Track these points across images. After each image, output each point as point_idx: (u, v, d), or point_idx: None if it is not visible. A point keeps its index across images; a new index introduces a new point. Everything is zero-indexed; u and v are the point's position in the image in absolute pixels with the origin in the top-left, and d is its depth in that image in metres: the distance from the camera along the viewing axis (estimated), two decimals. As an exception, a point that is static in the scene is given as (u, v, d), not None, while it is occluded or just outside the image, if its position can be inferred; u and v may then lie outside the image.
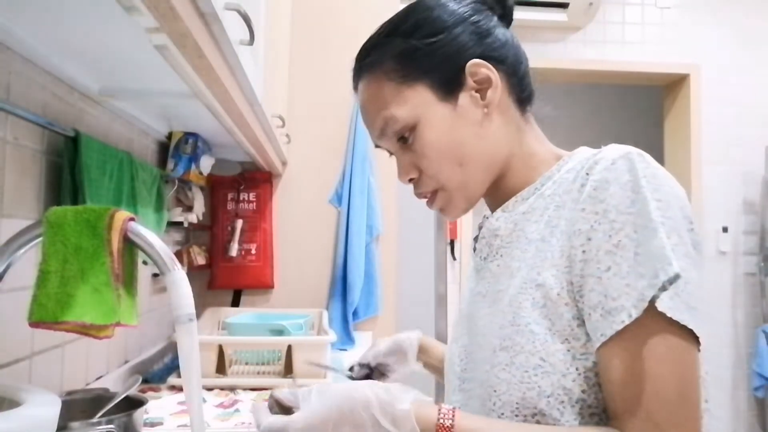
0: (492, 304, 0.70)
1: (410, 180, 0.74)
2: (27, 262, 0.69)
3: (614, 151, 0.63)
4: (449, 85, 0.71)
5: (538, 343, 0.62)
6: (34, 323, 0.63)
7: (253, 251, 2.12)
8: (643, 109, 4.68)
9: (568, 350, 0.61)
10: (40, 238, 0.64)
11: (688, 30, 3.55)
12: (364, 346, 2.10)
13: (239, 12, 0.84)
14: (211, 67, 0.83)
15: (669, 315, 0.55)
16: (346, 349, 2.04)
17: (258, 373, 1.52)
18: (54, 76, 1.01)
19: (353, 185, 2.14)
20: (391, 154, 0.77)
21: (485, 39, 0.72)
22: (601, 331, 0.58)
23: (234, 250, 2.09)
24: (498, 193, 0.76)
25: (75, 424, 0.76)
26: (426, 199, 0.76)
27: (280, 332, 1.54)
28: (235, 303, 2.15)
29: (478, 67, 0.70)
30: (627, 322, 0.56)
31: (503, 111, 0.72)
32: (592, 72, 3.50)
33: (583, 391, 0.60)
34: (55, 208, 0.65)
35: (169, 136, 1.65)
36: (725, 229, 3.48)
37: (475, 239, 0.79)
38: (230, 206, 2.15)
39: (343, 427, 0.58)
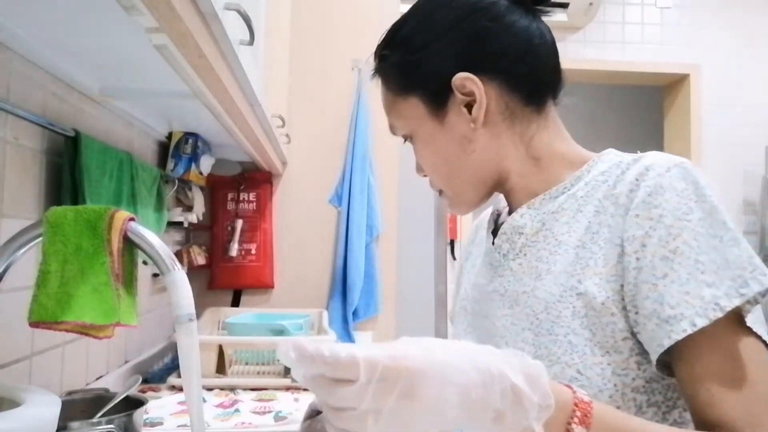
0: (513, 305, 0.67)
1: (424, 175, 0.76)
2: (27, 262, 0.69)
3: (665, 158, 0.61)
4: (438, 98, 0.69)
5: (576, 354, 0.58)
6: (34, 323, 0.63)
7: (253, 251, 2.12)
8: (643, 109, 4.68)
9: (609, 364, 0.58)
10: (40, 238, 0.64)
11: (688, 30, 3.55)
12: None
13: (239, 12, 0.84)
14: (211, 67, 0.83)
15: (754, 330, 0.53)
16: (346, 349, 2.04)
17: (258, 373, 1.52)
18: (54, 76, 1.01)
19: (353, 185, 2.15)
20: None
21: (478, 44, 0.67)
22: (657, 341, 0.55)
23: (234, 250, 2.09)
24: (514, 193, 0.73)
25: (75, 424, 0.76)
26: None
27: (280, 332, 1.54)
28: (235, 303, 2.15)
29: (463, 81, 0.67)
30: (689, 332, 0.53)
31: (496, 122, 0.68)
32: (592, 72, 3.50)
33: (618, 407, 0.57)
34: (55, 208, 0.65)
35: (169, 136, 1.65)
36: (725, 229, 3.47)
37: (493, 233, 0.75)
38: (230, 206, 2.15)
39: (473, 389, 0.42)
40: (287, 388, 1.46)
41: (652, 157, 0.62)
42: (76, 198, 1.01)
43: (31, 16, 0.82)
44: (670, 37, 3.55)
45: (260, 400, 1.36)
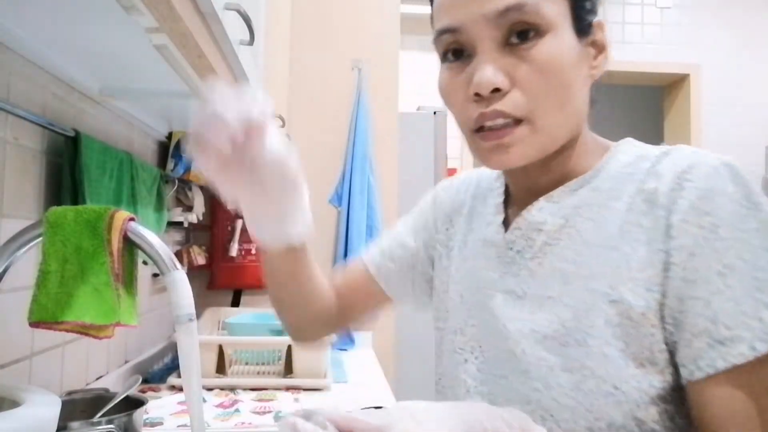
0: (534, 311, 0.60)
1: (493, 91, 0.56)
2: (27, 262, 0.69)
3: (708, 155, 0.55)
4: (582, 22, 0.59)
5: (612, 368, 0.54)
6: (34, 323, 0.63)
7: (253, 251, 2.12)
8: (643, 109, 4.68)
9: (644, 376, 0.53)
10: (40, 238, 0.64)
11: (688, 30, 3.56)
12: (364, 345, 2.11)
13: (239, 12, 0.84)
14: (211, 67, 0.83)
15: None
16: (346, 349, 2.04)
17: (258, 373, 1.52)
18: (54, 76, 1.01)
19: (353, 185, 2.15)
20: (447, 55, 0.60)
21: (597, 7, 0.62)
22: (707, 361, 0.50)
23: (234, 250, 2.09)
24: (541, 175, 0.63)
25: (75, 424, 0.76)
26: (491, 125, 0.57)
27: (280, 332, 1.54)
28: (235, 303, 2.15)
29: (601, 29, 0.61)
30: (749, 356, 0.49)
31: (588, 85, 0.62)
32: (592, 72, 3.50)
33: (654, 421, 0.53)
34: (55, 208, 0.65)
35: (169, 136, 1.65)
36: (725, 229, 3.48)
37: (505, 224, 0.67)
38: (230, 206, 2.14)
39: None
40: (287, 388, 1.46)
41: (689, 152, 0.57)
42: (76, 198, 1.01)
43: (31, 16, 0.82)
44: (670, 37, 3.55)
45: (260, 400, 1.36)
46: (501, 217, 0.68)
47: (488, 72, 0.55)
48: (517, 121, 0.57)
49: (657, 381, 0.53)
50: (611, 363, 0.54)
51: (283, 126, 1.69)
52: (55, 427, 0.56)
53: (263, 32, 1.24)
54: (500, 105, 0.56)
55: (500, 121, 0.57)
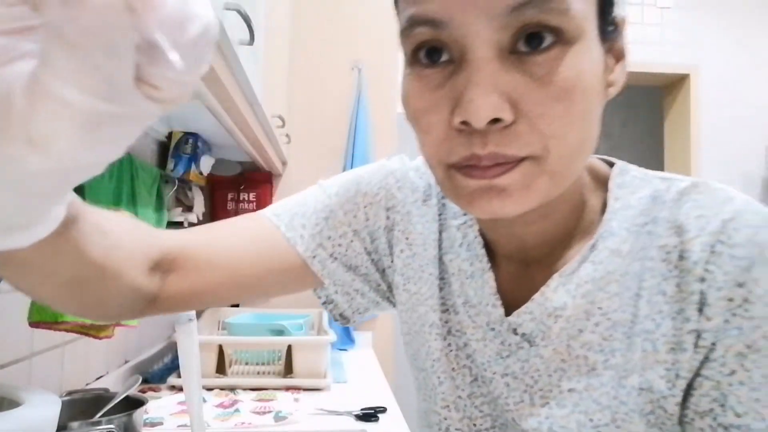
0: (553, 406, 0.49)
1: (491, 121, 0.38)
2: (27, 262, 0.69)
3: (745, 211, 0.44)
4: (607, 20, 0.44)
5: None
6: (34, 323, 0.63)
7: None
8: (643, 109, 4.68)
9: None
10: (40, 238, 0.64)
11: (688, 30, 3.56)
12: (364, 345, 2.11)
13: (239, 12, 0.84)
14: (211, 67, 0.83)
15: None
16: (346, 349, 2.05)
17: (258, 373, 1.52)
18: (54, 76, 1.01)
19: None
20: (418, 56, 0.42)
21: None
22: None
23: (234, 250, 2.09)
24: (538, 221, 0.49)
25: (75, 424, 0.76)
26: (481, 166, 0.40)
27: (280, 332, 1.54)
28: (235, 303, 2.15)
29: (623, 27, 0.48)
30: None
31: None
32: (592, 72, 3.50)
33: None
34: (55, 208, 0.65)
35: (169, 136, 1.65)
36: (725, 229, 3.48)
37: (496, 280, 0.53)
38: (230, 206, 2.14)
39: None
40: (287, 388, 1.46)
41: (718, 198, 0.46)
42: (76, 198, 1.01)
43: (31, 16, 0.82)
44: (670, 37, 3.55)
45: (260, 400, 1.36)
46: (491, 278, 0.53)
47: (488, 96, 0.38)
48: (523, 158, 0.40)
49: None
50: None
51: (283, 126, 1.69)
52: (55, 427, 0.56)
53: (263, 32, 1.24)
54: (501, 147, 0.39)
55: (487, 162, 0.40)
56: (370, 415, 1.24)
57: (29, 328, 0.64)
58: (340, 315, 0.66)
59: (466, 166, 0.41)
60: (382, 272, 0.63)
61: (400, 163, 0.64)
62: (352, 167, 2.16)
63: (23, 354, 0.94)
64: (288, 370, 1.51)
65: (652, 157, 4.18)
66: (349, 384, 1.57)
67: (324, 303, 0.65)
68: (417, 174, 0.62)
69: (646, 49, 3.53)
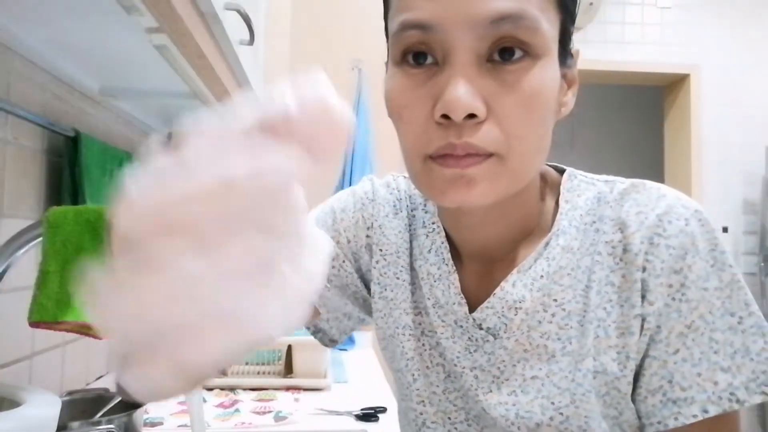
0: (518, 393, 0.54)
1: (467, 117, 0.44)
2: (27, 262, 0.69)
3: (677, 203, 0.51)
4: (566, 48, 0.51)
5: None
6: (34, 323, 0.63)
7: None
8: (643, 109, 4.68)
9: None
10: (40, 238, 0.64)
11: (688, 30, 3.56)
12: (364, 345, 2.11)
13: (239, 12, 0.84)
14: (211, 67, 0.83)
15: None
16: (346, 349, 2.04)
17: (258, 373, 1.52)
18: (54, 76, 1.01)
19: (353, 185, 2.15)
20: (406, 57, 0.48)
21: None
22: (658, 418, 0.50)
23: (234, 250, 2.09)
24: (499, 220, 0.54)
25: (75, 424, 0.76)
26: (455, 153, 0.46)
27: (280, 332, 1.54)
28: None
29: (577, 58, 0.54)
30: (700, 418, 0.48)
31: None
32: (592, 72, 3.50)
33: None
34: (55, 208, 0.65)
35: (170, 136, 1.65)
36: (725, 230, 3.48)
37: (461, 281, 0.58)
38: (230, 206, 2.15)
39: None
40: (287, 388, 1.46)
41: (653, 195, 0.52)
42: (76, 198, 1.01)
43: (31, 16, 0.82)
44: (670, 37, 3.55)
45: (260, 400, 1.36)
46: (456, 279, 0.57)
47: (466, 92, 0.44)
48: (491, 154, 0.46)
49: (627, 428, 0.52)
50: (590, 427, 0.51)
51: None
52: (55, 427, 0.56)
53: (263, 32, 1.25)
54: (474, 138, 0.45)
55: (460, 151, 0.45)
56: (370, 415, 1.24)
57: (29, 328, 0.64)
58: (330, 340, 0.71)
59: (442, 155, 0.47)
60: (367, 288, 0.68)
61: (370, 183, 0.70)
62: (352, 167, 2.17)
63: (24, 354, 0.94)
64: (288, 370, 1.51)
65: (652, 157, 4.19)
66: (350, 384, 1.57)
67: (313, 333, 0.69)
68: (387, 190, 0.68)
69: (646, 49, 3.54)
